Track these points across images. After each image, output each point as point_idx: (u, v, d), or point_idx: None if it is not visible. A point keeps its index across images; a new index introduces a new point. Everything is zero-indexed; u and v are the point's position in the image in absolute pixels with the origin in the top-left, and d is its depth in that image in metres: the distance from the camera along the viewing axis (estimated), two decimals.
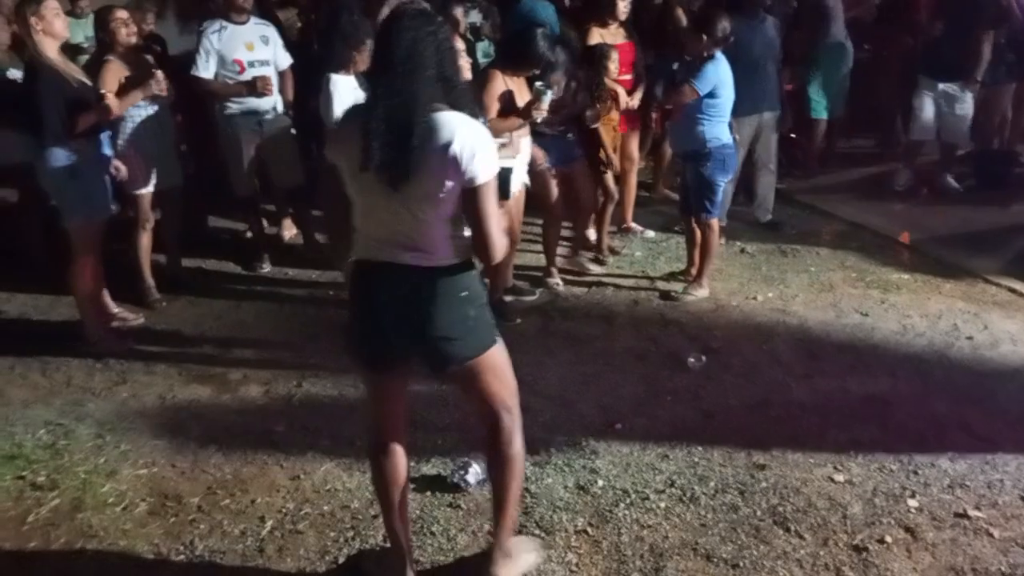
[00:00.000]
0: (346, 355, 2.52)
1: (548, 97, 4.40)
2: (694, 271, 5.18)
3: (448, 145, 2.17)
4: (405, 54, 2.20)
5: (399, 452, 2.59)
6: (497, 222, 2.28)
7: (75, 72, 4.13)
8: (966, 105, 6.71)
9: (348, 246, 2.46)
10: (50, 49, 3.99)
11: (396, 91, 2.20)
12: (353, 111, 2.43)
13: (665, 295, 4.97)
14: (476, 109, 2.34)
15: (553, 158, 4.85)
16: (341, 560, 2.84)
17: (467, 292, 2.35)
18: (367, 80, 2.33)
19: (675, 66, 5.13)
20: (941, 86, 6.68)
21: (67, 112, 3.97)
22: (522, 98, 4.35)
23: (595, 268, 5.34)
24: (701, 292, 4.95)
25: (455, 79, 2.29)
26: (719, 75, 4.72)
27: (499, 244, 2.29)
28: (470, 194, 2.23)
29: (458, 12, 5.33)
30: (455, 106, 2.25)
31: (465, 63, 2.33)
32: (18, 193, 5.45)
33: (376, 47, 2.32)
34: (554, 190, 4.93)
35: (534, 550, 2.81)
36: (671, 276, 5.27)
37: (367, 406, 2.67)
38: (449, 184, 2.21)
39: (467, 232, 2.33)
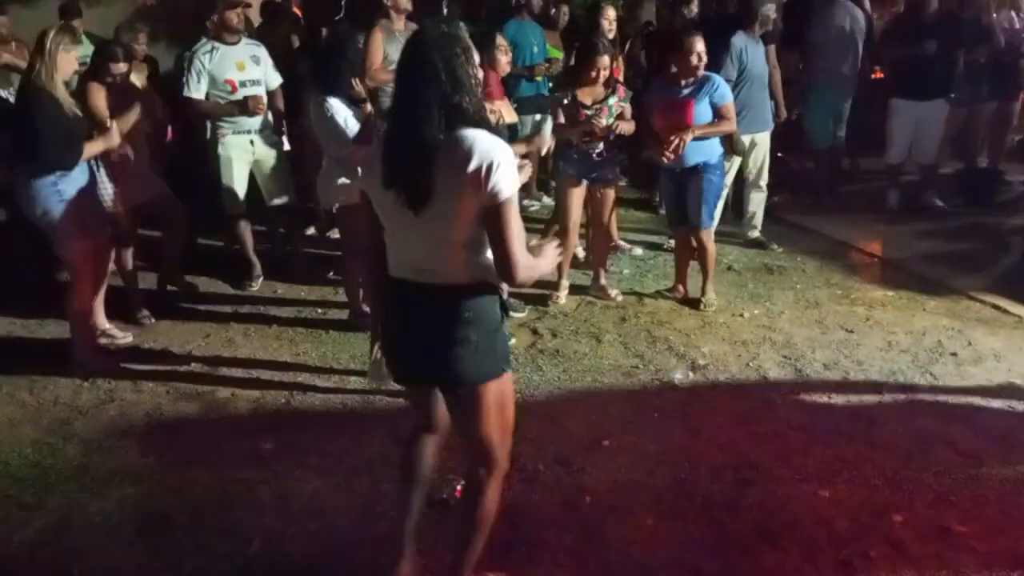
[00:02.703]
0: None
1: (548, 128, 4.43)
2: (681, 288, 5.25)
3: (468, 162, 2.13)
4: (421, 74, 2.18)
5: (424, 446, 2.66)
6: (521, 240, 2.20)
7: (72, 104, 4.16)
8: (940, 124, 6.83)
9: (374, 270, 2.49)
10: (57, 83, 4.03)
11: (412, 111, 2.19)
12: (377, 139, 2.42)
13: (694, 305, 5.09)
14: (498, 129, 2.31)
15: (575, 170, 4.91)
16: None
17: (471, 313, 2.28)
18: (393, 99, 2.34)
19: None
20: (917, 106, 6.77)
21: (65, 141, 4.02)
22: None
23: (619, 297, 5.22)
24: (716, 298, 5.12)
25: (473, 100, 2.22)
26: None
27: (523, 263, 2.20)
28: (492, 211, 2.16)
29: None
30: (475, 124, 2.21)
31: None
32: (6, 212, 5.46)
33: (398, 66, 2.31)
34: (570, 201, 4.97)
35: None
36: (658, 294, 5.30)
37: None
38: (470, 203, 2.17)
39: (487, 256, 2.27)
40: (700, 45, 4.73)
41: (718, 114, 4.80)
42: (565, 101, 4.80)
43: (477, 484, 2.48)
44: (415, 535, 2.72)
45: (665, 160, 4.82)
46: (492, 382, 2.36)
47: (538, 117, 4.64)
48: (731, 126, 4.90)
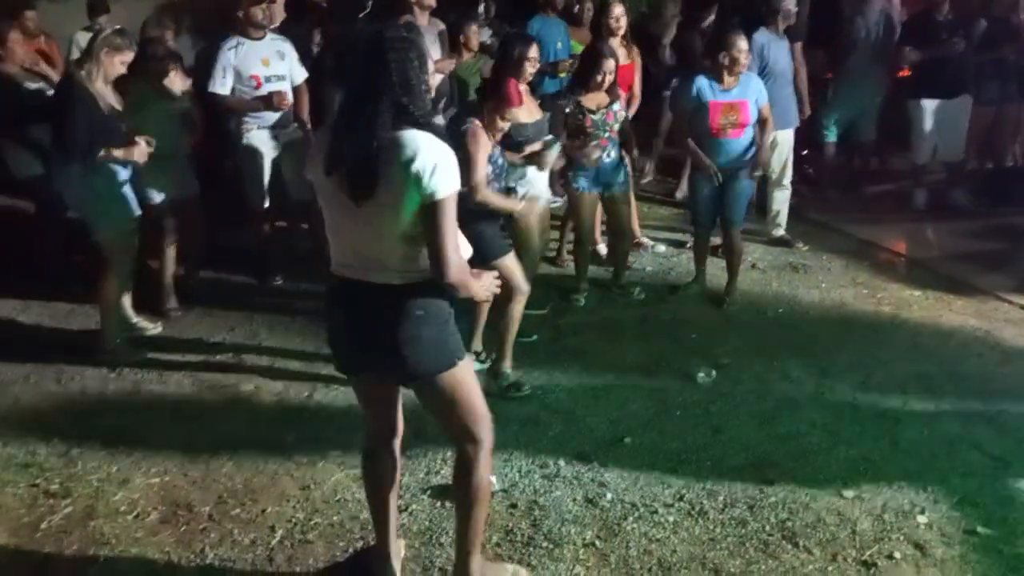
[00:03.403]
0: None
1: (555, 150, 4.25)
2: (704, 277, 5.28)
3: (411, 161, 2.21)
4: (371, 73, 2.26)
5: (386, 459, 2.69)
6: (453, 240, 2.28)
7: (111, 100, 4.24)
8: (965, 120, 6.80)
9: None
10: (98, 82, 4.16)
11: (359, 109, 2.27)
12: (323, 128, 2.51)
13: (717, 303, 5.09)
14: (441, 130, 2.41)
15: (587, 182, 4.89)
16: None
17: (423, 312, 2.36)
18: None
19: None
20: (941, 105, 6.70)
21: (93, 137, 4.11)
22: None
23: (641, 295, 5.19)
24: (740, 297, 5.14)
25: (421, 101, 2.31)
26: None
27: (453, 261, 2.28)
28: (428, 208, 2.24)
29: (471, 30, 5.39)
30: (421, 126, 2.29)
31: (434, 82, 2.38)
32: (35, 205, 5.53)
33: (352, 55, 2.39)
34: (584, 212, 4.96)
35: None
36: (675, 289, 5.29)
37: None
38: (411, 200, 2.24)
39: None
40: (745, 43, 4.78)
41: (761, 114, 4.86)
42: (568, 110, 4.74)
43: (467, 459, 2.53)
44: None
45: (751, 179, 4.96)
46: (445, 373, 2.43)
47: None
48: (772, 125, 5.04)
